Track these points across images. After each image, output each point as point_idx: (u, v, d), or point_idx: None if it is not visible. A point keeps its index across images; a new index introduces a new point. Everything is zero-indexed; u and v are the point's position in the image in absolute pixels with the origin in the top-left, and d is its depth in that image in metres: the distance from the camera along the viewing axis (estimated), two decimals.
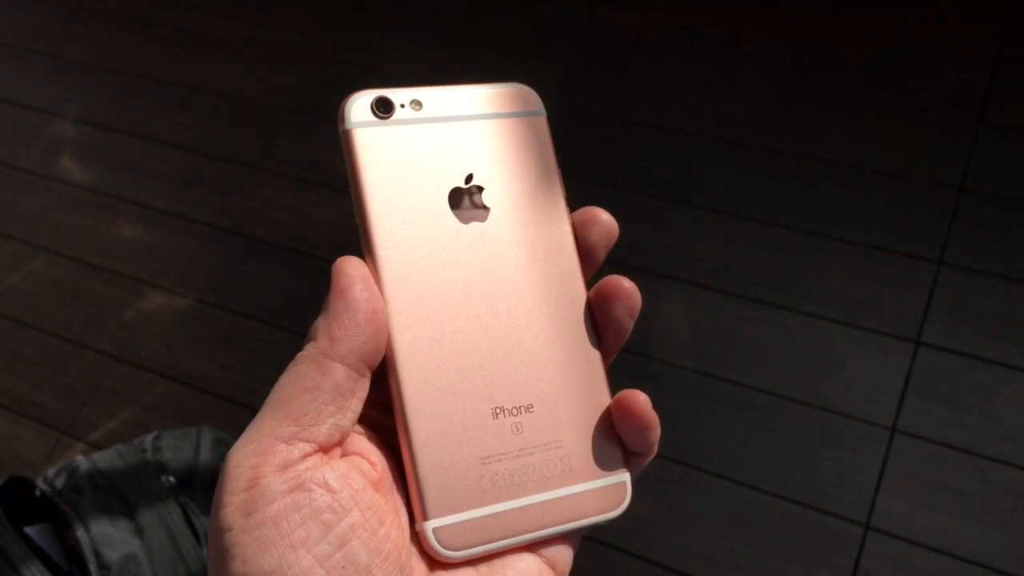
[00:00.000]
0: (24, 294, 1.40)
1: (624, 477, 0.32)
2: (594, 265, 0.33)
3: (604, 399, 0.32)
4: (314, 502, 0.26)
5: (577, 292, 0.33)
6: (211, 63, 1.67)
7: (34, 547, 0.81)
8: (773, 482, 1.06)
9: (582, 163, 1.38)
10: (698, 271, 1.23)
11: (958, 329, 1.13)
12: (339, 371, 0.27)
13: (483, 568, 0.29)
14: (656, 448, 0.32)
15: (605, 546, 1.04)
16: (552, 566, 0.30)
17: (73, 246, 1.44)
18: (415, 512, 0.29)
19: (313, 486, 0.26)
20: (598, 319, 0.32)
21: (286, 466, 0.26)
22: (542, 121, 0.34)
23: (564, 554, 0.31)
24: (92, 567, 0.79)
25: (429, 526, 0.28)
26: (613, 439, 0.32)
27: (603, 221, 0.32)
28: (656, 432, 0.31)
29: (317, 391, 0.27)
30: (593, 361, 0.32)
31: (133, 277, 1.38)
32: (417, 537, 0.29)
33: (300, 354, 0.28)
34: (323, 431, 0.27)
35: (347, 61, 1.61)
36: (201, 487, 0.90)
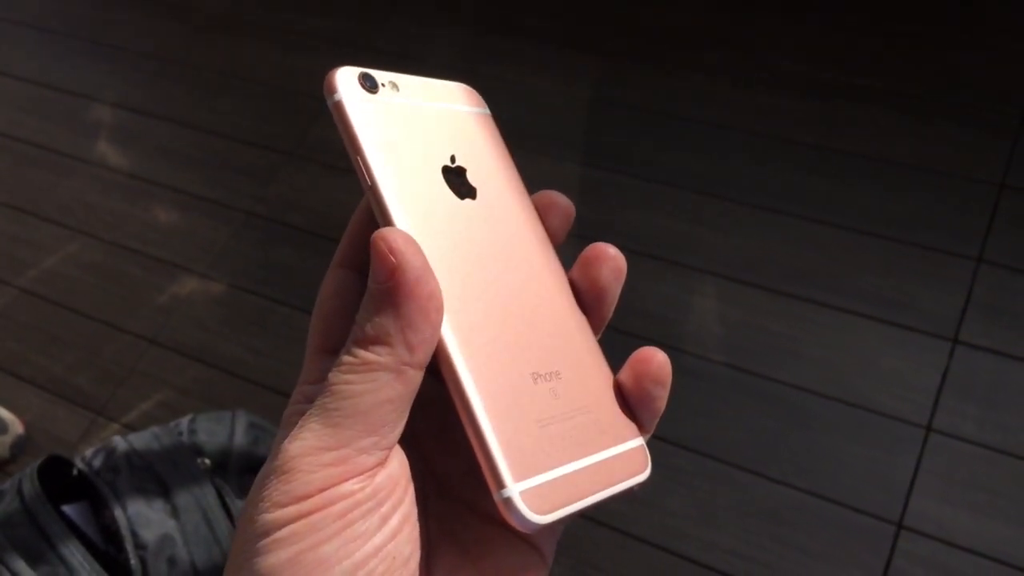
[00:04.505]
0: (61, 277, 1.41)
1: (641, 441, 0.32)
2: (556, 246, 0.35)
3: (606, 367, 0.33)
4: (377, 495, 0.27)
5: (559, 268, 0.34)
6: (247, 50, 1.68)
7: (72, 525, 0.82)
8: (805, 479, 1.05)
9: (618, 155, 1.37)
10: (732, 266, 1.22)
11: (997, 328, 1.12)
12: (417, 378, 0.28)
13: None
14: (656, 422, 0.33)
15: (634, 539, 1.04)
16: None
17: (109, 230, 1.45)
18: (490, 483, 0.28)
19: (380, 482, 0.27)
20: (585, 286, 0.33)
21: (362, 472, 0.27)
22: (492, 119, 0.36)
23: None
24: (129, 546, 0.80)
25: (516, 489, 0.27)
26: (623, 405, 0.32)
27: (561, 204, 0.34)
28: (666, 391, 0.32)
29: (399, 401, 0.27)
30: (589, 332, 0.33)
31: (168, 261, 1.40)
32: (496, 508, 0.28)
33: (375, 359, 0.27)
34: (396, 435, 0.28)
35: (382, 49, 1.61)
36: (235, 470, 0.90)
